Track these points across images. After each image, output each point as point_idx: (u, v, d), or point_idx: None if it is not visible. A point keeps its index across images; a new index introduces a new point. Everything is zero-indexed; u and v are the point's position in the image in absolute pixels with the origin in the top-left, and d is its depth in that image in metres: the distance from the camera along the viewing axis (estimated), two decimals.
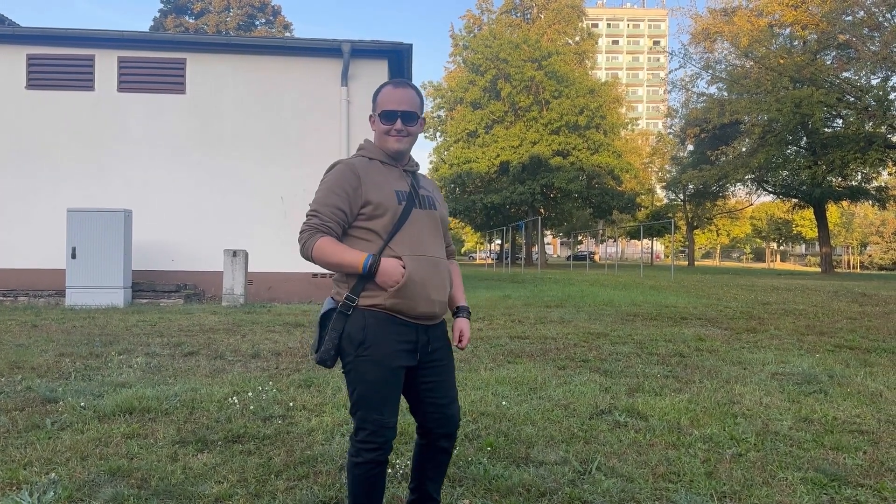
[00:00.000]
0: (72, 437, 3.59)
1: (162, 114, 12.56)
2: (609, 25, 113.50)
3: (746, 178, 38.60)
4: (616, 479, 3.10)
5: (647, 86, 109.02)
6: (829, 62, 33.48)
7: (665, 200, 58.58)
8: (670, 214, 52.07)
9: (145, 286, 11.84)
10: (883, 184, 39.99)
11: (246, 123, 12.67)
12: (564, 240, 79.34)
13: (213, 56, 12.82)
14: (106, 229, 11.05)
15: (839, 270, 51.42)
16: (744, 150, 36.86)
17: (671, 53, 40.39)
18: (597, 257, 67.04)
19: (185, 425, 3.86)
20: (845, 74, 32.91)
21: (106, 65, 12.48)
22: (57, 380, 5.04)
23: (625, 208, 45.64)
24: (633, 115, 64.43)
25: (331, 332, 2.16)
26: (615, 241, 64.16)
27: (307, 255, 2.17)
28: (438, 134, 47.29)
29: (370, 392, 2.15)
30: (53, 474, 3.02)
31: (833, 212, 59.06)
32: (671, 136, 52.02)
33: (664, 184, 55.39)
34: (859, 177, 37.55)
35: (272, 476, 3.08)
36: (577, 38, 46.98)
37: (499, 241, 50.21)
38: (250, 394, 4.58)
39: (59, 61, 12.53)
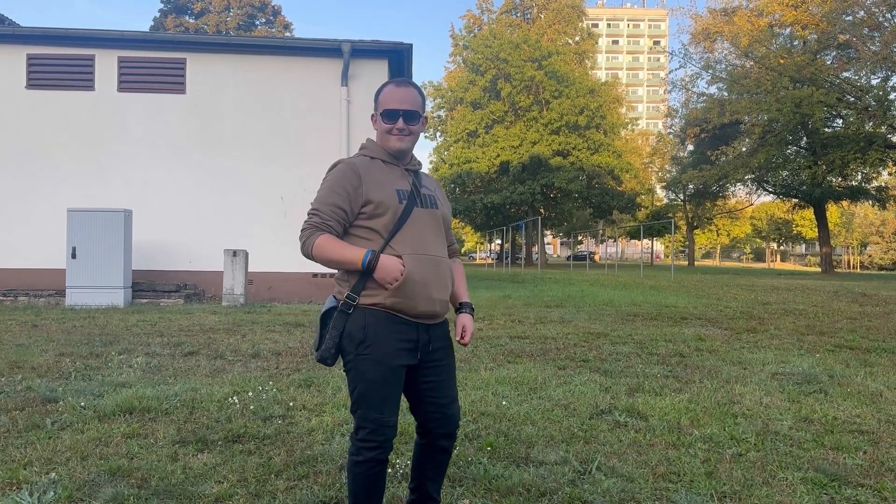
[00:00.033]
0: (72, 437, 3.59)
1: (162, 114, 12.56)
2: (609, 25, 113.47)
3: (746, 178, 38.60)
4: (616, 479, 3.10)
5: (648, 86, 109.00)
6: (829, 62, 33.48)
7: (665, 200, 58.58)
8: (670, 214, 52.07)
9: (145, 286, 11.84)
10: (883, 184, 39.99)
11: (246, 123, 12.68)
12: (564, 240, 79.34)
13: (213, 56, 12.82)
14: (106, 229, 11.05)
15: (839, 270, 51.42)
16: (744, 150, 36.86)
17: (671, 53, 40.43)
18: (597, 257, 67.03)
19: (185, 425, 3.86)
20: (845, 74, 32.91)
21: (106, 65, 12.48)
22: (57, 379, 5.04)
23: (625, 208, 45.66)
24: (633, 115, 64.45)
25: (331, 330, 2.17)
26: (615, 241, 64.18)
27: (307, 252, 2.18)
28: (438, 134, 47.30)
29: (370, 391, 2.15)
30: (53, 474, 3.02)
31: (833, 212, 59.06)
32: (671, 136, 52.01)
33: (664, 184, 55.39)
34: (859, 177, 37.55)
35: (272, 476, 3.08)
36: (577, 38, 47.00)
37: (499, 241, 50.22)
38: (250, 394, 4.58)
39: (59, 61, 12.53)
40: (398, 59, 12.91)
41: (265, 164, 12.58)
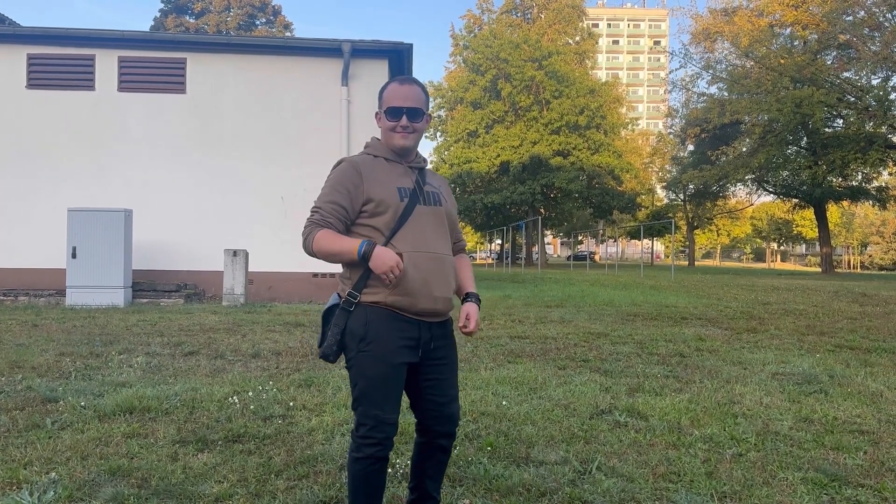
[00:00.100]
0: (72, 437, 3.59)
1: (162, 113, 12.56)
2: (609, 25, 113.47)
3: (747, 178, 38.61)
4: (616, 479, 3.10)
5: (648, 86, 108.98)
6: (829, 62, 33.47)
7: (665, 200, 58.58)
8: (670, 214, 52.08)
9: (145, 286, 11.84)
10: (883, 184, 40.01)
11: (246, 123, 12.67)
12: (564, 240, 79.35)
13: (213, 56, 12.81)
14: (106, 229, 11.06)
15: (839, 270, 51.41)
16: (744, 150, 36.86)
17: (671, 53, 40.41)
18: (597, 257, 67.03)
19: (185, 425, 3.86)
20: (846, 74, 32.91)
21: (106, 64, 12.48)
22: (57, 379, 5.04)
23: (625, 208, 45.65)
24: (633, 115, 64.45)
25: (333, 327, 2.18)
26: (615, 241, 64.19)
27: (308, 248, 2.20)
28: (439, 134, 47.30)
29: (371, 388, 2.16)
30: (54, 474, 3.02)
31: (833, 212, 59.05)
32: (671, 136, 52.01)
33: (664, 184, 55.39)
34: (860, 177, 37.56)
35: (272, 476, 3.08)
36: (577, 38, 46.98)
37: (499, 241, 50.24)
38: (250, 393, 4.58)
39: (59, 61, 12.52)
40: (398, 58, 12.91)
41: (265, 163, 12.58)
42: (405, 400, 2.29)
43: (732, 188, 43.99)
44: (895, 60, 28.46)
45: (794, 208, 44.57)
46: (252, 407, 4.24)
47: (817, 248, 47.98)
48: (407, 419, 3.24)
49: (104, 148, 12.39)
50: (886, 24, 29.83)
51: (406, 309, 2.17)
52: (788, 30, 35.21)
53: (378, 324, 2.15)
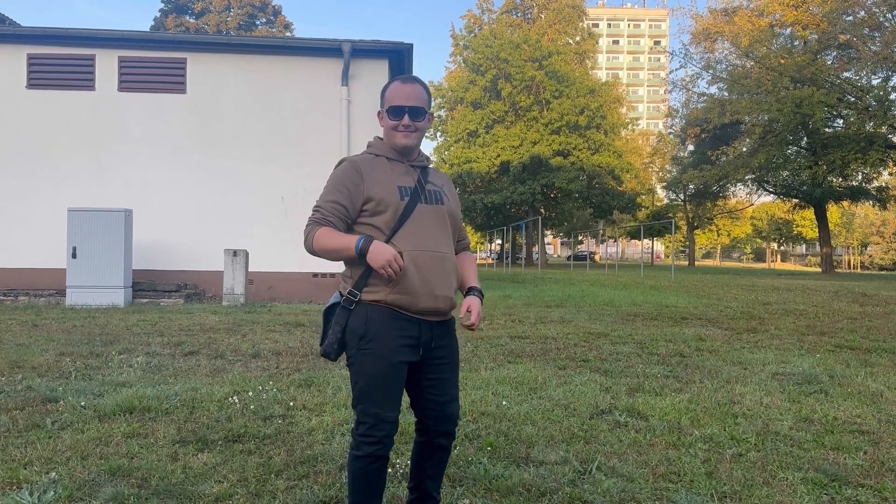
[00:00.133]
0: (72, 437, 3.59)
1: (162, 113, 12.56)
2: (610, 25, 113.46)
3: (747, 178, 38.60)
4: (616, 479, 3.10)
5: (648, 86, 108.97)
6: (829, 62, 33.46)
7: (665, 200, 58.56)
8: (671, 214, 52.07)
9: (146, 286, 11.84)
10: (883, 184, 39.99)
11: (246, 123, 12.67)
12: (565, 240, 79.32)
13: (213, 56, 12.81)
14: (106, 229, 11.06)
15: (840, 270, 51.40)
16: (744, 150, 36.86)
17: (672, 53, 40.41)
18: (597, 257, 66.99)
19: (185, 425, 3.86)
20: (846, 74, 32.89)
21: (106, 64, 12.48)
22: (57, 379, 5.04)
23: (625, 208, 45.66)
24: (633, 115, 64.51)
25: (334, 325, 2.20)
26: (615, 241, 64.19)
27: (309, 246, 2.22)
28: (439, 134, 47.31)
29: (371, 386, 2.16)
30: (54, 474, 3.02)
31: (833, 212, 59.02)
32: (672, 136, 52.00)
33: (664, 184, 55.37)
34: (860, 177, 37.54)
35: (272, 476, 3.08)
36: (577, 38, 47.01)
37: (499, 241, 50.23)
38: (250, 393, 4.58)
39: (59, 61, 12.52)
40: (398, 58, 12.91)
41: (265, 163, 12.58)
42: (405, 399, 2.29)
43: (732, 188, 43.99)
44: (895, 60, 28.46)
45: (794, 208, 44.55)
46: (252, 407, 4.24)
47: (817, 248, 48.00)
48: (407, 419, 3.24)
49: (104, 148, 12.39)
50: (886, 24, 29.82)
51: (407, 308, 2.17)
52: (788, 30, 35.21)
53: (378, 322, 2.15)
